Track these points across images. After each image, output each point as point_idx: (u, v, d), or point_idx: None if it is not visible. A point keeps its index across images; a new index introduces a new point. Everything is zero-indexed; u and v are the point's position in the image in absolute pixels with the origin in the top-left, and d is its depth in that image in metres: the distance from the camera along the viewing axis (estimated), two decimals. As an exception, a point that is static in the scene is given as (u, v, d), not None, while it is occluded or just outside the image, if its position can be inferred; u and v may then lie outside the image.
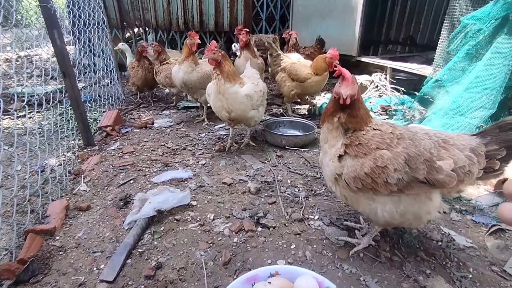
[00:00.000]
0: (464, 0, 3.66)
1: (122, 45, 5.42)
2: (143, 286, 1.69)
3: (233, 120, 3.09)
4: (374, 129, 1.65)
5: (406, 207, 1.58)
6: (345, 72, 1.65)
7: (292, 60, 4.38)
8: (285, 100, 4.48)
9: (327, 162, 1.74)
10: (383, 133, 1.61)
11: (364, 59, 5.86)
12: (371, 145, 1.58)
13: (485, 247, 1.98)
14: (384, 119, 3.99)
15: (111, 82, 5.03)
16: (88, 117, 3.52)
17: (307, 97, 4.58)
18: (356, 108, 1.67)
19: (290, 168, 2.95)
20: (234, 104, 2.94)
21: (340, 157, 1.66)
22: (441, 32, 4.01)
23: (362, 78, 5.42)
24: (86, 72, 4.76)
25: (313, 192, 2.56)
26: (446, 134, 1.65)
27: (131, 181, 2.74)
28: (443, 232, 2.10)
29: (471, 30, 3.39)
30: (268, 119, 4.03)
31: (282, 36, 6.24)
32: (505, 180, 2.47)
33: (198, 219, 2.22)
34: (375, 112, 4.46)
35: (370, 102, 4.74)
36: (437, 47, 4.06)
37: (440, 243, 1.99)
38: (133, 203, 2.34)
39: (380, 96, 4.96)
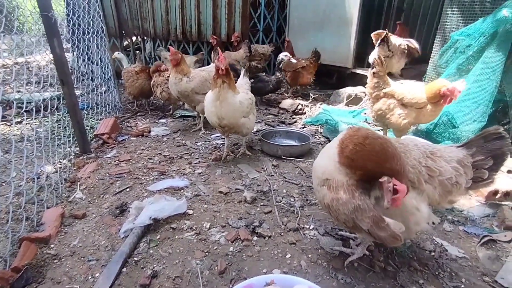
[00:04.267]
0: (456, 16, 3.79)
1: (118, 54, 5.47)
2: (138, 295, 1.69)
3: (223, 127, 3.13)
4: None
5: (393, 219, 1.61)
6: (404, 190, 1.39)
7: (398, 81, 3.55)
8: (396, 134, 3.50)
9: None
10: None
11: (359, 71, 5.97)
12: None
13: (477, 257, 2.02)
14: (379, 130, 4.06)
15: (108, 89, 5.05)
16: (84, 125, 3.53)
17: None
18: None
19: (285, 178, 2.98)
20: (227, 112, 2.99)
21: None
22: (433, 46, 4.13)
23: (357, 90, 5.52)
24: (83, 80, 4.78)
25: (308, 201, 2.59)
26: (434, 146, 1.70)
27: (127, 189, 2.74)
28: (436, 242, 2.13)
29: (461, 46, 3.50)
30: (264, 129, 4.08)
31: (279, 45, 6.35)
32: (496, 191, 2.53)
33: (194, 228, 2.23)
34: (369, 123, 4.54)
35: (365, 113, 4.82)
36: (430, 61, 4.18)
37: (433, 253, 2.02)
38: (129, 211, 2.34)
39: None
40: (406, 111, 3.21)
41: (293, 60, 5.27)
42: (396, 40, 4.80)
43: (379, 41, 4.67)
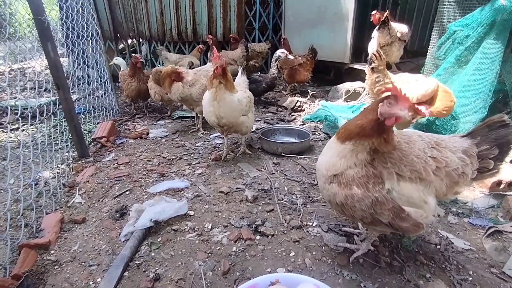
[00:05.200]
0: (452, 7, 3.76)
1: (116, 60, 5.45)
2: (141, 299, 1.66)
3: (223, 126, 3.09)
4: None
5: None
6: (397, 90, 1.45)
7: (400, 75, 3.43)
8: (397, 128, 3.29)
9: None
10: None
11: (356, 66, 5.94)
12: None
13: (483, 249, 1.99)
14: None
15: (105, 93, 5.02)
16: (82, 129, 3.49)
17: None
18: (391, 131, 1.53)
19: (287, 176, 2.95)
20: (226, 111, 2.95)
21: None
22: (431, 38, 4.09)
23: (355, 85, 5.49)
24: (80, 84, 4.75)
25: (310, 198, 2.56)
26: (438, 136, 1.66)
27: (127, 192, 2.71)
28: (441, 235, 2.11)
29: (459, 37, 3.47)
30: (263, 127, 4.05)
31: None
32: (500, 182, 2.50)
33: (195, 229, 2.20)
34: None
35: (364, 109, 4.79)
36: (428, 53, 4.14)
37: (438, 247, 1.99)
38: (129, 215, 2.31)
39: (373, 102, 5.01)
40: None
41: (290, 57, 5.23)
42: (395, 25, 4.74)
43: (379, 24, 4.61)
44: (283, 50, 5.23)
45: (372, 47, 4.80)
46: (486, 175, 1.62)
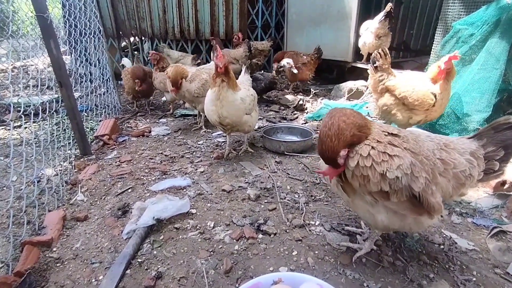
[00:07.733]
0: (457, 5, 3.72)
1: (123, 60, 5.57)
2: (143, 297, 1.66)
3: (225, 126, 3.08)
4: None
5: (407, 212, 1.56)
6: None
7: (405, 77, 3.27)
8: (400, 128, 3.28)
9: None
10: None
11: (359, 65, 5.91)
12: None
13: (487, 249, 1.98)
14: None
15: (107, 91, 5.02)
16: (84, 126, 3.49)
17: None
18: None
19: (289, 174, 2.94)
20: (229, 110, 2.93)
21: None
22: (435, 37, 4.06)
23: (358, 84, 5.47)
24: (82, 82, 4.75)
25: (313, 197, 2.55)
26: (446, 138, 1.65)
27: (129, 190, 2.71)
28: (444, 235, 2.09)
29: (463, 35, 3.44)
30: (266, 125, 4.04)
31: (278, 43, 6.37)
32: (504, 182, 2.48)
33: (198, 227, 2.19)
34: (372, 117, 4.48)
35: (367, 107, 4.77)
36: (431, 52, 4.11)
37: (442, 246, 1.98)
38: (131, 212, 2.31)
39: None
40: (414, 112, 3.08)
41: (294, 71, 5.32)
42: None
43: (383, 15, 4.81)
44: (289, 60, 5.26)
45: (368, 41, 4.90)
46: (491, 177, 1.62)
